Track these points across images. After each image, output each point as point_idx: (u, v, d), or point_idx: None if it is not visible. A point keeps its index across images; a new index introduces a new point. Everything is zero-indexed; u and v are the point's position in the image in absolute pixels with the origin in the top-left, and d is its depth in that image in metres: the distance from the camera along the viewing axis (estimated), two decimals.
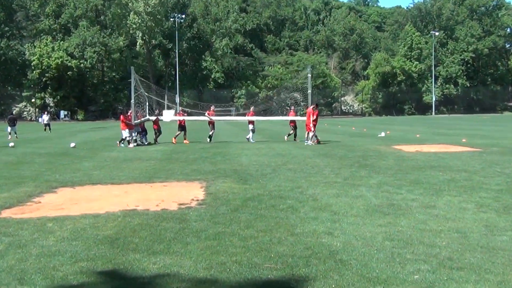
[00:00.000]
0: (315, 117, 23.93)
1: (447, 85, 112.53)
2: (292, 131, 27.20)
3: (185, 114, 29.21)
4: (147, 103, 29.39)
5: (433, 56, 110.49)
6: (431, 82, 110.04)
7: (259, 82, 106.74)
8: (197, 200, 9.46)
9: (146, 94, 30.01)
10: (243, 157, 17.86)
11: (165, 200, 9.60)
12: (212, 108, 28.57)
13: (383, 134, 31.46)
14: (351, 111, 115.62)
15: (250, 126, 27.09)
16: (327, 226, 7.36)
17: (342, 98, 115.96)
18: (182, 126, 27.08)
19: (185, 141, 26.52)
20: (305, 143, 24.06)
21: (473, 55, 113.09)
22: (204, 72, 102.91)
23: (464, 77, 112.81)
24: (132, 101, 25.78)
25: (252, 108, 28.51)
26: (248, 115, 27.92)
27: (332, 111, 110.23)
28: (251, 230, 7.18)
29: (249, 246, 6.37)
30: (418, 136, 30.19)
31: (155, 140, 26.44)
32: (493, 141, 24.25)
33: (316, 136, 23.95)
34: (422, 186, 10.70)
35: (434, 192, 9.95)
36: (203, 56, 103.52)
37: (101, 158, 18.14)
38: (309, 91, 27.31)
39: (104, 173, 13.83)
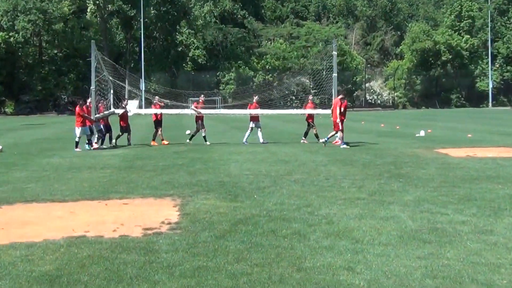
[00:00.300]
0: (342, 109, 23.96)
1: (509, 67, 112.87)
2: (314, 129, 27.18)
3: (163, 106, 29.12)
4: (111, 91, 29.26)
5: (489, 28, 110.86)
6: (487, 63, 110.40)
7: (254, 63, 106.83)
8: (169, 224, 9.43)
9: (111, 78, 29.88)
10: (232, 165, 17.82)
11: (125, 223, 9.56)
12: (201, 98, 28.36)
13: (422, 133, 31.52)
14: (379, 101, 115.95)
15: (251, 124, 27.05)
16: (347, 258, 7.35)
17: (367, 84, 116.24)
18: (159, 122, 27.15)
19: (152, 143, 26.55)
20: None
21: None
22: (179, 49, 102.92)
23: None
24: (93, 87, 25.74)
25: (255, 98, 28.11)
26: (250, 108, 27.77)
27: (354, 102, 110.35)
28: (243, 264, 7.16)
29: (240, 286, 6.34)
30: (470, 136, 30.24)
31: (128, 141, 26.61)
32: None
33: (342, 138, 24.02)
34: (475, 204, 10.71)
35: (492, 213, 9.97)
36: (178, 27, 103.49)
37: (38, 166, 18.07)
38: (335, 74, 27.36)
39: (42, 186, 13.77)
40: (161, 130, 27.09)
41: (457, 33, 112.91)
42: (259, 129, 27.21)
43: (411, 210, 10.19)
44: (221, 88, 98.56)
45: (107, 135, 26.42)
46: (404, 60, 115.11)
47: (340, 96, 24.60)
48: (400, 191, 12.25)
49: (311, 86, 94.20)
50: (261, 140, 26.69)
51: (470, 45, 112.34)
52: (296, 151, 22.29)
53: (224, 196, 11.94)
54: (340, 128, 23.91)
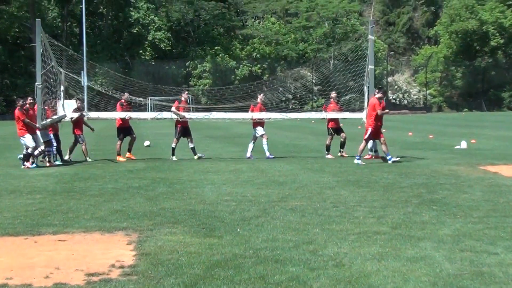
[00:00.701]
0: (379, 112, 24.10)
1: None
2: (329, 138, 27.32)
3: (130, 109, 28.90)
4: (62, 88, 29.01)
5: None
6: None
7: (236, 49, 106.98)
8: (122, 267, 9.42)
9: (61, 69, 29.64)
10: (207, 188, 17.83)
11: (61, 267, 9.53)
12: (184, 96, 28.19)
13: (464, 144, 31.65)
14: (405, 101, 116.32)
15: (259, 130, 27.18)
16: None
17: (390, 79, 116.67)
18: (125, 129, 27.20)
19: (121, 157, 26.70)
20: (390, 160, 24.08)
21: None
22: (135, 30, 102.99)
23: None
24: (38, 83, 25.58)
25: (260, 97, 28.54)
26: (253, 110, 27.93)
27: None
28: None
29: None
30: None
31: (85, 155, 26.70)
32: None
33: (371, 149, 24.37)
34: None
35: None
36: (133, 1, 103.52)
37: None
38: (372, 66, 27.39)
39: None
40: (125, 140, 27.20)
41: (511, 9, 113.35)
42: (253, 140, 27.36)
43: (448, 248, 10.23)
44: (192, 83, 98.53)
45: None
46: (439, 46, 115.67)
47: (378, 95, 24.74)
48: (434, 223, 12.30)
49: (313, 81, 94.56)
50: (249, 155, 26.81)
51: None
52: (293, 169, 22.33)
53: (196, 230, 11.95)
54: (366, 137, 24.25)
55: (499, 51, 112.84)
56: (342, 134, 27.62)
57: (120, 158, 26.76)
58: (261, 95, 28.57)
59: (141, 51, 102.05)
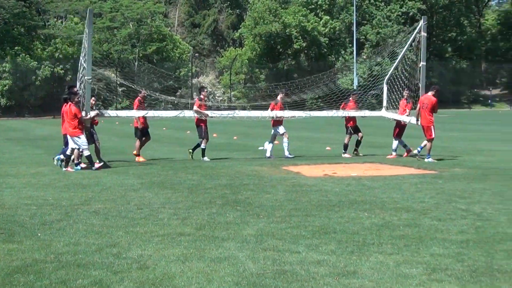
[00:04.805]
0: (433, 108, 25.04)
1: (379, 59, 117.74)
2: (358, 135, 27.82)
3: (145, 107, 27.45)
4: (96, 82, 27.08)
5: (354, 7, 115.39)
6: (352, 53, 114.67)
7: (37, 49, 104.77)
8: None
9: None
10: (6, 191, 17.35)
11: None
12: (203, 94, 27.00)
13: (268, 145, 32.23)
14: (209, 103, 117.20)
15: (280, 129, 26.98)
16: None
17: (194, 80, 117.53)
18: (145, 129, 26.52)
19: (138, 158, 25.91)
20: (426, 159, 24.40)
21: (424, 7, 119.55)
22: None
23: None
24: (88, 77, 23.63)
25: (280, 96, 28.26)
26: (274, 108, 27.43)
27: (176, 104, 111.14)
28: None
29: None
30: (328, 149, 31.43)
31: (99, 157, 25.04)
32: (456, 158, 26.16)
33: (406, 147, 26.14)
34: (334, 238, 11.14)
35: (356, 248, 10.40)
36: None
37: None
38: (423, 63, 27.61)
39: None
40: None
41: (313, 13, 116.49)
42: (272, 140, 27.36)
43: (251, 248, 10.41)
44: None
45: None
46: (244, 49, 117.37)
47: (432, 92, 25.41)
48: (238, 223, 12.48)
49: (118, 83, 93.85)
50: (268, 154, 26.79)
51: (330, 30, 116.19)
52: (97, 171, 22.10)
53: None
54: (433, 135, 24.80)
55: (302, 54, 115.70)
56: (360, 134, 27.97)
57: (140, 159, 26.11)
58: (282, 94, 28.51)
59: None
